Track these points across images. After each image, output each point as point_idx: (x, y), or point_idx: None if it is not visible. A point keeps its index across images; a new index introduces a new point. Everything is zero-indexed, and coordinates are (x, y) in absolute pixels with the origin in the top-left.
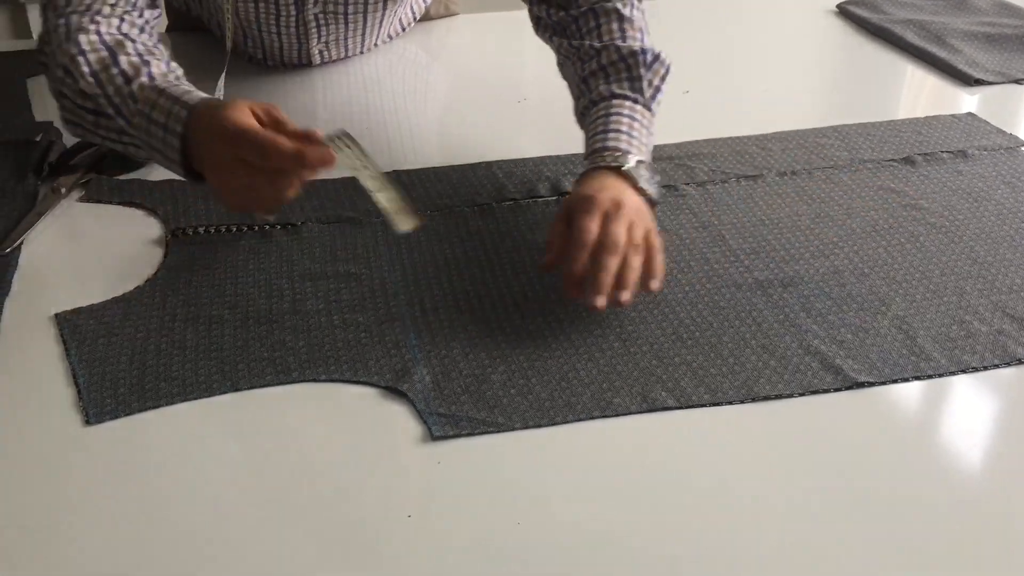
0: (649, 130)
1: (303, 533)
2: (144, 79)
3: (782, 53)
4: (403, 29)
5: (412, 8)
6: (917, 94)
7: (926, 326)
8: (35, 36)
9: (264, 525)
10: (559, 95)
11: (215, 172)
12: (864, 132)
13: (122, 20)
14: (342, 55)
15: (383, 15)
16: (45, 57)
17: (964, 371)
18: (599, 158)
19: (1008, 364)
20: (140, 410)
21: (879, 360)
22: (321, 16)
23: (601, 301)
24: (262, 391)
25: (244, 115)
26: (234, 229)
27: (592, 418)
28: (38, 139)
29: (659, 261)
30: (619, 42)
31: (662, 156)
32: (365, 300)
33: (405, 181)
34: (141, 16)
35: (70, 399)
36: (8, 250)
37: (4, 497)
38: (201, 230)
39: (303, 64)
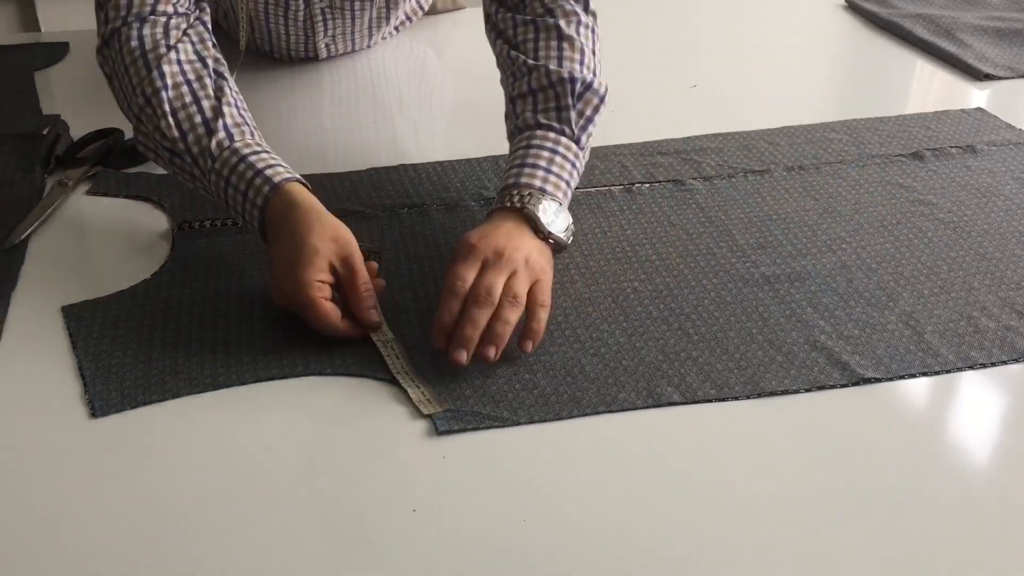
0: (574, 165)
1: (307, 526)
2: (221, 134)
3: (790, 47)
4: (409, 22)
5: (419, 1)
6: (926, 89)
7: (934, 322)
8: (43, 28)
9: (269, 519)
10: None
11: (277, 293)
12: (872, 127)
13: (190, 26)
14: (349, 49)
15: (388, 9)
16: (106, 63)
17: (971, 367)
18: (505, 196)
19: (1016, 360)
20: (145, 403)
21: (886, 356)
22: (328, 10)
23: (462, 356)
24: (267, 384)
25: (315, 289)
26: (240, 222)
27: (597, 413)
28: (45, 132)
29: (540, 319)
30: (552, 64)
31: (668, 151)
32: None
33: (411, 175)
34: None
35: (76, 392)
36: (15, 243)
37: (10, 489)
38: (207, 223)
39: (310, 58)
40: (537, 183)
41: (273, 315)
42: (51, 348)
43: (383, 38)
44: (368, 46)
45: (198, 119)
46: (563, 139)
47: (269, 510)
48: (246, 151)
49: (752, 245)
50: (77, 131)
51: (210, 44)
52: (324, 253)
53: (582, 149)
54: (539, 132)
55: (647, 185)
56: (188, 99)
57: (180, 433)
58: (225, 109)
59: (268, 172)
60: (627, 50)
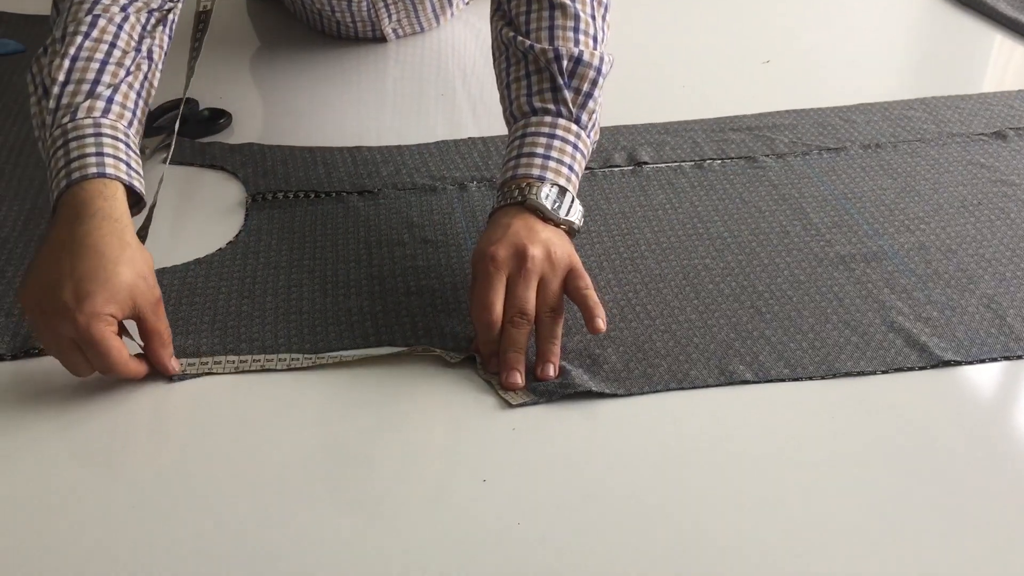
0: (576, 146)
1: (379, 494)
2: (101, 103)
3: (866, 22)
4: None
5: None
6: (1006, 66)
7: (1016, 305)
8: None
9: (340, 486)
10: (629, 64)
11: (37, 323)
12: (952, 104)
13: (155, 13)
14: (417, 31)
15: None
16: (56, 12)
17: None
18: (506, 191)
19: None
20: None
21: (966, 339)
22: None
23: (516, 379)
24: (339, 354)
25: (106, 324)
26: (312, 195)
27: (668, 390)
28: None
29: (591, 297)
30: (543, 42)
31: (740, 127)
32: (441, 267)
33: (480, 148)
34: None
35: None
36: None
37: (94, 450)
38: (280, 195)
39: (379, 39)
40: (535, 172)
41: (345, 286)
42: None
43: (452, 14)
44: (437, 25)
45: (91, 76)
46: (561, 120)
47: (339, 476)
48: (108, 130)
49: (827, 224)
50: (154, 100)
51: (165, 40)
52: (108, 301)
53: (584, 128)
54: (534, 119)
55: (718, 161)
56: (99, 56)
57: (255, 399)
58: (125, 88)
59: (109, 160)
60: (700, 25)
